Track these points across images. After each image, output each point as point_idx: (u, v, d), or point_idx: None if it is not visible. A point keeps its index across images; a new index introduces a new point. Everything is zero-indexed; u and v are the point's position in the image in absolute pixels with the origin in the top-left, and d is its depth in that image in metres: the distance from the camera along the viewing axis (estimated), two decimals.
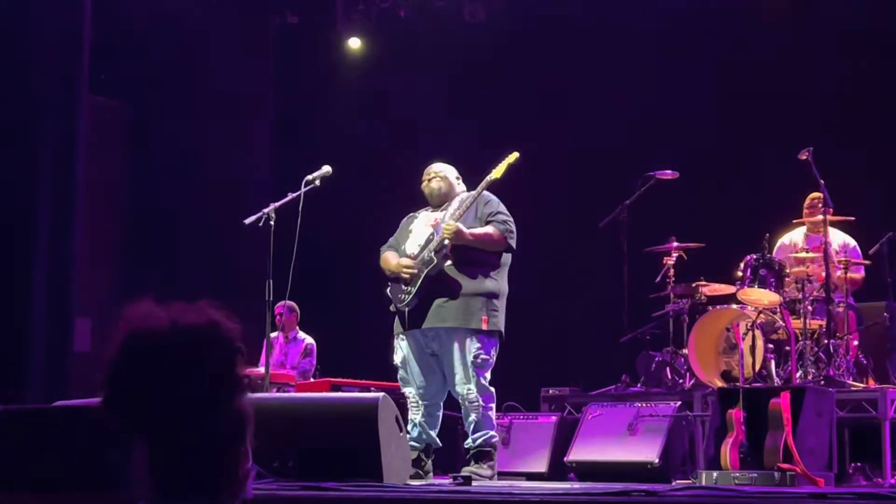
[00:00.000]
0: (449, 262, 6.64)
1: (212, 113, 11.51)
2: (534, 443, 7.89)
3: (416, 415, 6.75)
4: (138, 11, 10.64)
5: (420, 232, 6.89)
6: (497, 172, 6.85)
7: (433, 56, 11.70)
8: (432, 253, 6.66)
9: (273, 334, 9.21)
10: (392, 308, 6.86)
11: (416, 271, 6.67)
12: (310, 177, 7.04)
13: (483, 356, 6.60)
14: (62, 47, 9.36)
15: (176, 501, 1.88)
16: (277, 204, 6.93)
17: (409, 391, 6.80)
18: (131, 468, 1.90)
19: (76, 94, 9.46)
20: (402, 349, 6.81)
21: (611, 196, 9.42)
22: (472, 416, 6.64)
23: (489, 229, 6.71)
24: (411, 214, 7.11)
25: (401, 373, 6.86)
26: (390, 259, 6.87)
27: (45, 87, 9.28)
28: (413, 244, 6.85)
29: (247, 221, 6.90)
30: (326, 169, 7.09)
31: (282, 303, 9.44)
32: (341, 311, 11.65)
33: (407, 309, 6.70)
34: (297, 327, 10.27)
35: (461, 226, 6.61)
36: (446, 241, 6.61)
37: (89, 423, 5.06)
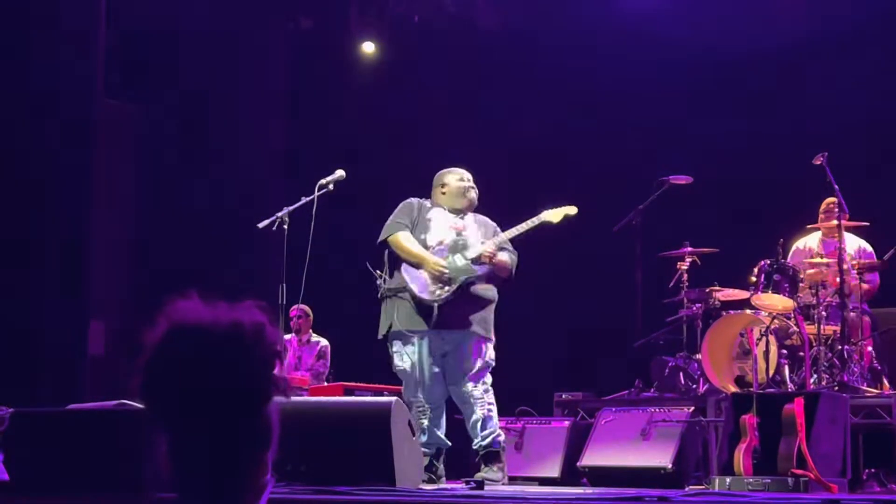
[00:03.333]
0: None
1: (226, 117, 11.53)
2: (547, 447, 7.88)
3: (423, 419, 6.73)
4: (152, 14, 10.66)
5: (442, 230, 6.86)
6: (554, 218, 6.94)
7: (446, 61, 11.71)
8: (470, 262, 6.72)
9: (287, 337, 9.23)
10: (384, 286, 6.80)
11: (451, 274, 6.69)
12: (323, 181, 7.04)
13: (489, 360, 6.78)
14: (77, 50, 9.38)
15: (193, 502, 1.87)
16: (291, 208, 6.93)
17: (417, 397, 6.75)
18: (145, 471, 1.89)
19: (91, 96, 9.48)
20: (411, 353, 6.74)
21: (625, 200, 9.41)
22: (478, 413, 6.70)
23: (506, 259, 6.87)
24: (419, 201, 7.02)
25: (406, 377, 6.79)
26: (416, 247, 6.77)
27: (59, 89, 9.30)
28: (434, 239, 6.83)
29: (260, 225, 6.90)
30: (340, 173, 7.09)
31: (297, 306, 9.48)
32: (354, 316, 11.64)
33: (436, 304, 6.69)
34: (311, 331, 10.30)
35: (505, 260, 6.81)
36: (489, 249, 6.75)
37: (102, 426, 5.08)
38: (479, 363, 6.71)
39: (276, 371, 1.90)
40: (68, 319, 9.17)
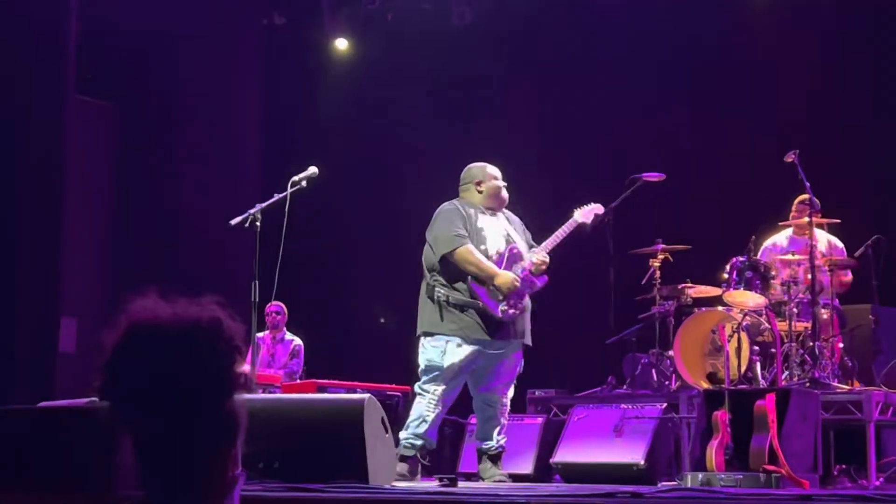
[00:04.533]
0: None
1: (199, 114, 11.49)
2: (520, 444, 7.89)
3: (430, 413, 6.70)
4: (125, 11, 10.61)
5: (496, 238, 6.79)
6: (587, 219, 7.14)
7: (420, 58, 11.71)
8: (534, 278, 6.78)
9: (259, 334, 9.22)
10: (456, 299, 6.68)
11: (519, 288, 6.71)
12: (296, 178, 7.02)
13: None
14: (48, 47, 9.33)
15: (162, 501, 1.87)
16: (263, 205, 6.91)
17: (436, 390, 6.69)
18: (115, 469, 1.89)
19: (62, 93, 9.44)
20: (456, 354, 6.65)
21: (597, 198, 9.42)
22: (502, 420, 6.89)
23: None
24: (460, 206, 6.81)
25: (434, 370, 6.69)
26: (486, 262, 6.65)
27: (30, 87, 9.25)
28: (492, 249, 6.75)
29: (233, 222, 6.87)
30: (313, 170, 7.07)
31: (274, 303, 9.46)
32: (327, 313, 11.65)
33: (504, 319, 6.71)
34: (286, 328, 10.29)
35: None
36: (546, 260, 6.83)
37: (74, 424, 5.05)
38: (518, 371, 6.91)
39: (236, 366, 1.90)
40: (40, 316, 9.13)
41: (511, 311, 6.67)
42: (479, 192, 6.89)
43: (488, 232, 6.78)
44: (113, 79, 11.26)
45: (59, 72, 9.45)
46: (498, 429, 6.87)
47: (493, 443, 6.87)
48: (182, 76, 11.40)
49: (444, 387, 6.70)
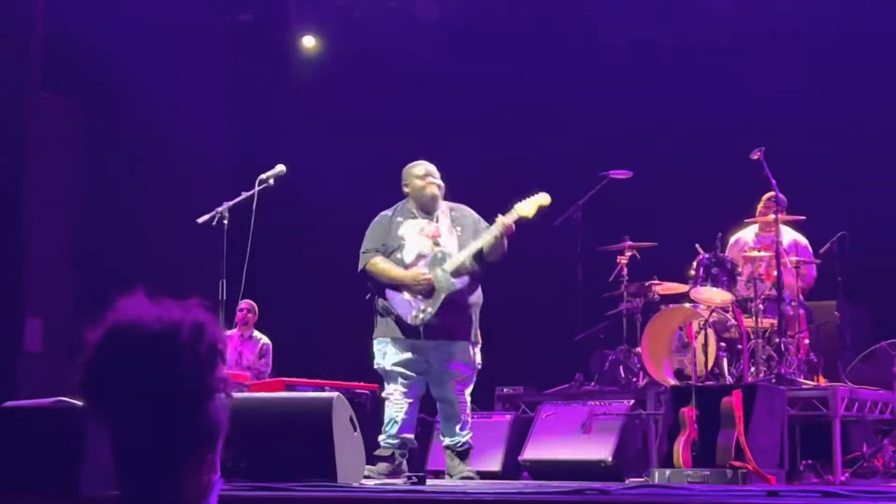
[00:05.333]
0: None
1: (165, 111, 11.43)
2: (488, 442, 7.89)
3: (398, 413, 6.87)
4: (90, 8, 10.54)
5: (417, 242, 6.88)
6: (529, 213, 6.92)
7: (387, 55, 11.69)
8: (450, 277, 6.73)
9: (227, 332, 9.19)
10: (381, 305, 6.85)
11: (432, 284, 6.71)
12: (263, 176, 7.01)
13: (479, 364, 6.92)
14: (11, 45, 9.27)
15: (137, 502, 1.86)
16: (231, 203, 6.89)
17: (395, 389, 6.87)
18: (81, 469, 1.88)
19: (27, 91, 9.37)
20: (392, 354, 6.85)
21: (565, 195, 9.44)
22: (461, 417, 6.89)
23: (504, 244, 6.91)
24: (387, 214, 7.04)
25: (387, 374, 6.92)
26: (393, 269, 6.82)
27: None
28: (410, 254, 6.84)
29: (200, 221, 6.85)
30: (280, 168, 7.06)
31: (246, 301, 9.43)
32: (295, 311, 11.61)
33: (421, 326, 6.74)
34: (254, 328, 10.25)
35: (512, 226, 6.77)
36: (466, 263, 6.76)
37: (39, 423, 5.02)
38: (467, 370, 6.85)
39: (217, 370, 1.89)
40: (5, 316, 9.06)
41: (421, 317, 6.72)
42: (406, 193, 7.04)
43: (409, 238, 6.89)
44: (78, 76, 11.17)
45: (23, 70, 9.38)
46: (459, 426, 6.89)
47: (457, 439, 6.90)
48: (148, 74, 11.33)
49: (397, 387, 6.86)
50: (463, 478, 6.72)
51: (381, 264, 6.85)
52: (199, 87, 11.82)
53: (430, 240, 6.87)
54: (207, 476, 1.91)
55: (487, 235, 6.80)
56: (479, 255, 6.80)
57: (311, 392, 8.01)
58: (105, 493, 1.94)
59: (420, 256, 6.82)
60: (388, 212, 7.05)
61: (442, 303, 6.72)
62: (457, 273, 6.76)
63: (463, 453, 6.92)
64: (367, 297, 6.99)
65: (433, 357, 6.84)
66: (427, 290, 6.72)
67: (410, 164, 7.07)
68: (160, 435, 1.85)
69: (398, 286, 6.79)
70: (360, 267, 6.93)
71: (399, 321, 6.79)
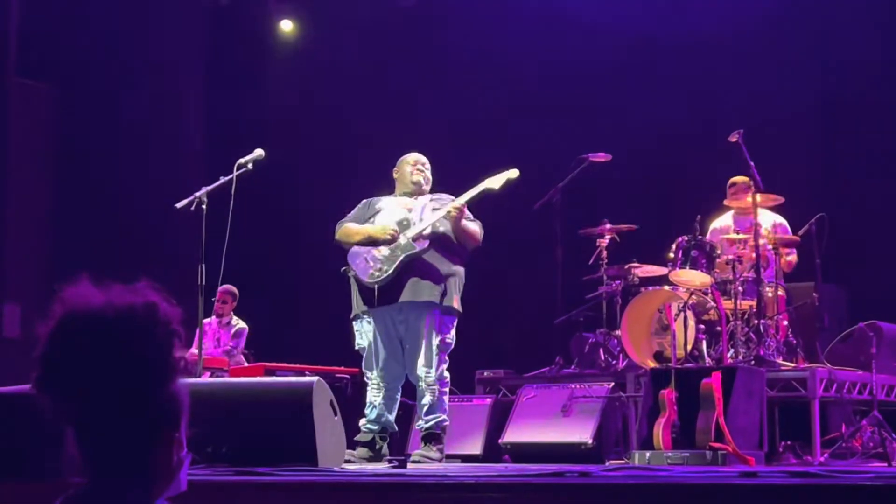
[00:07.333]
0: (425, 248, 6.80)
1: (142, 96, 11.38)
2: (468, 425, 7.91)
3: (376, 397, 6.89)
4: None
5: (393, 211, 6.96)
6: (497, 186, 6.94)
7: (366, 39, 11.67)
8: (410, 240, 6.78)
9: (206, 319, 9.17)
10: (349, 273, 6.90)
11: (398, 235, 6.77)
12: (242, 160, 6.99)
13: (448, 339, 6.83)
14: None
15: (106, 487, 1.86)
16: (209, 188, 6.86)
17: (371, 373, 6.91)
18: (62, 455, 1.87)
19: (1, 76, 9.31)
20: (366, 333, 6.89)
21: (544, 178, 9.45)
22: (427, 398, 6.82)
23: (476, 228, 6.98)
24: (369, 200, 7.17)
25: (364, 354, 6.95)
26: (362, 228, 6.92)
27: None
28: (383, 220, 6.93)
29: (178, 206, 6.82)
30: (259, 152, 7.04)
31: (225, 286, 9.40)
32: (275, 296, 11.60)
33: (377, 286, 6.74)
34: (233, 313, 10.24)
35: (465, 209, 6.82)
36: (427, 230, 6.78)
37: (17, 410, 4.99)
38: (435, 341, 6.74)
39: (174, 350, 1.89)
40: None
41: (377, 275, 6.76)
42: (395, 178, 7.19)
43: (386, 211, 6.99)
44: (53, 61, 11.11)
45: None
46: (425, 408, 6.84)
47: (422, 422, 6.90)
48: (124, 58, 11.28)
49: (374, 369, 6.89)
50: (413, 461, 6.55)
51: (351, 228, 6.97)
52: (176, 71, 11.77)
53: (405, 210, 6.96)
54: (176, 454, 1.92)
55: (465, 195, 6.90)
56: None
57: (292, 377, 8.02)
58: (81, 481, 1.93)
59: (394, 222, 6.91)
60: (373, 198, 7.18)
61: (401, 264, 6.74)
62: (417, 238, 6.81)
63: (426, 437, 6.86)
64: (342, 269, 7.00)
65: (397, 321, 6.82)
66: (391, 250, 6.77)
67: (405, 155, 7.21)
68: (125, 419, 1.85)
69: (367, 244, 6.85)
70: (335, 238, 7.03)
71: (362, 291, 6.82)
